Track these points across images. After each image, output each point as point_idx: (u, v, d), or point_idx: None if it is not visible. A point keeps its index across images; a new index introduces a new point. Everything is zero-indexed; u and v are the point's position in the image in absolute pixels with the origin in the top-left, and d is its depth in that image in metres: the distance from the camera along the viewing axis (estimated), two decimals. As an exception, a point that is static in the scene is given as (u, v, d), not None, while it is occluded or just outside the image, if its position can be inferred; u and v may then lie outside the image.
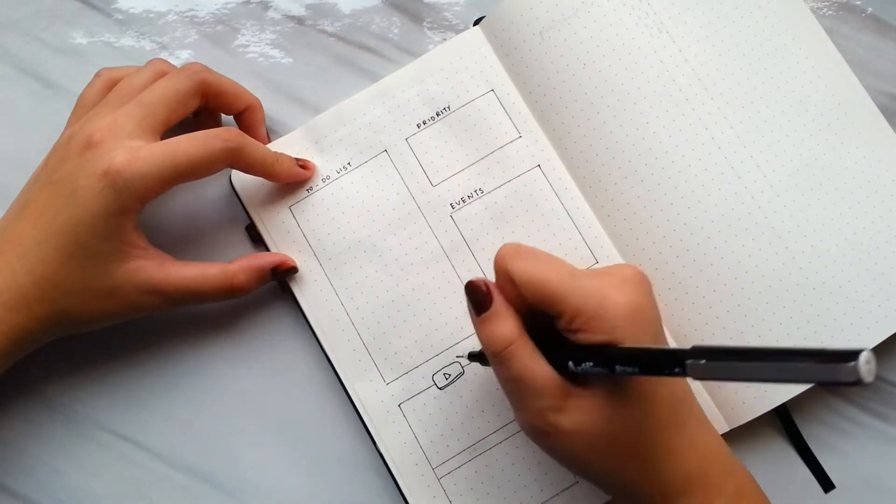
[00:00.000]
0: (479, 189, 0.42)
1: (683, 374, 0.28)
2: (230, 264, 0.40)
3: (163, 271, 0.38)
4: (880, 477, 0.42)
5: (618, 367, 0.31)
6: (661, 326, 0.34)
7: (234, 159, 0.38)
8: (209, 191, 0.44)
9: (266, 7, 0.46)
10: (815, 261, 0.40)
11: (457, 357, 0.41)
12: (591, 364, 0.32)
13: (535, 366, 0.33)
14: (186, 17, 0.46)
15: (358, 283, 0.42)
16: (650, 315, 0.33)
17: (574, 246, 0.41)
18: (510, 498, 0.40)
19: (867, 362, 0.23)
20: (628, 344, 0.31)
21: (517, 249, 0.34)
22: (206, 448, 0.42)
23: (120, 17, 0.46)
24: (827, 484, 0.41)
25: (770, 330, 0.40)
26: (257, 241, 0.43)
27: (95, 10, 0.46)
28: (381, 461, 0.41)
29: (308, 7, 0.46)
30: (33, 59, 0.45)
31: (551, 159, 0.42)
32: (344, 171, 0.43)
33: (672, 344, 0.41)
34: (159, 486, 0.42)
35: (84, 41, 0.45)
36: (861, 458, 0.42)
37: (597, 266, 0.41)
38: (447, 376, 0.41)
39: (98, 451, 0.42)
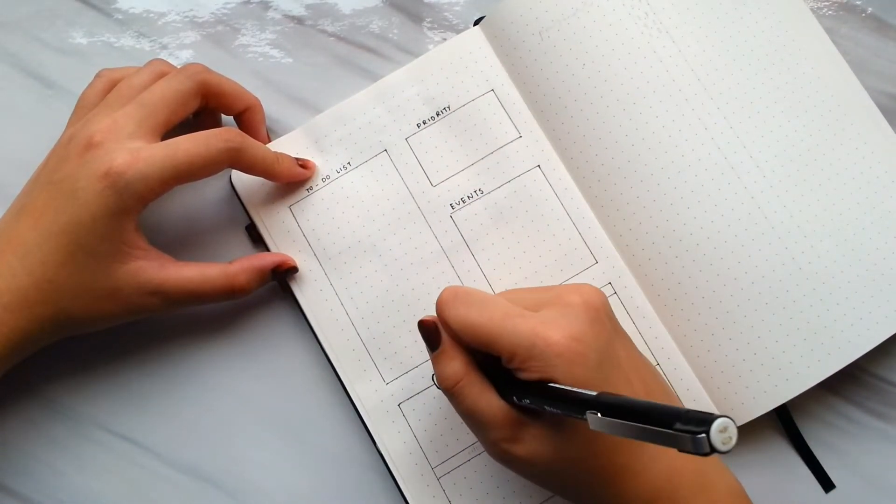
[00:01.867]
0: (479, 189, 0.42)
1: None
2: (231, 265, 0.40)
3: (163, 272, 0.38)
4: (881, 476, 0.42)
5: (546, 406, 0.31)
6: (614, 349, 0.34)
7: (235, 159, 0.38)
8: (209, 191, 0.44)
9: (266, 7, 0.46)
10: (815, 261, 0.40)
11: (432, 381, 0.41)
12: (528, 400, 0.32)
13: (483, 401, 0.34)
14: (187, 17, 0.46)
15: (358, 283, 0.42)
16: (593, 343, 0.32)
17: (574, 246, 0.41)
18: (509, 498, 0.40)
19: (721, 430, 0.23)
20: (563, 380, 0.31)
21: (453, 295, 0.35)
22: (206, 448, 0.43)
23: (120, 17, 0.46)
24: (827, 484, 0.41)
25: (770, 330, 0.40)
26: (257, 240, 0.43)
27: (95, 10, 0.46)
28: (380, 461, 0.41)
29: (308, 7, 0.46)
30: (33, 59, 0.45)
31: (551, 159, 0.42)
32: (344, 171, 0.43)
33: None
34: (159, 486, 0.42)
35: (84, 41, 0.46)
36: (861, 457, 0.42)
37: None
38: (447, 376, 0.41)
39: (98, 451, 0.42)
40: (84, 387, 0.43)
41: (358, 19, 0.46)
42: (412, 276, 0.42)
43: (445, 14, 0.46)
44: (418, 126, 0.43)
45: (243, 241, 0.44)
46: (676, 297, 0.41)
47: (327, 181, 0.42)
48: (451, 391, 0.34)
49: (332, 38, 0.46)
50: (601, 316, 0.33)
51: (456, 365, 0.34)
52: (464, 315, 0.34)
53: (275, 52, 0.45)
